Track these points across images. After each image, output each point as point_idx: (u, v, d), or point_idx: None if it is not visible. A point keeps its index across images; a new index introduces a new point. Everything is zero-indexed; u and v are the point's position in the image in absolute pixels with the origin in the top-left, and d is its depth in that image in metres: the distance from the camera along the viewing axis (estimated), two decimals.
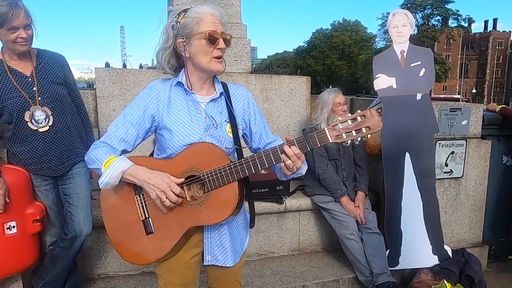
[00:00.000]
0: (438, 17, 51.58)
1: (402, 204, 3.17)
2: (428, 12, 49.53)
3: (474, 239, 3.70)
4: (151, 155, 1.71)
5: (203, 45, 1.47)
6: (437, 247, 3.19)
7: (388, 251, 3.12)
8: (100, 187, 1.52)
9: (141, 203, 1.56)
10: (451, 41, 57.62)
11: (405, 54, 3.18)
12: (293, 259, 3.38)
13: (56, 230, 2.45)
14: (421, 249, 3.17)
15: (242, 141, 1.68)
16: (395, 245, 3.16)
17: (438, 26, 51.99)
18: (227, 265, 1.67)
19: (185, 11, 1.48)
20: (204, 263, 1.67)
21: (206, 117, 1.57)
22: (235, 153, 1.62)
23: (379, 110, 3.45)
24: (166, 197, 1.45)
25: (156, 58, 1.59)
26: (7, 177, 2.16)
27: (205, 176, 1.50)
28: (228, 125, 1.59)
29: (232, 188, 1.50)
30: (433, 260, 3.17)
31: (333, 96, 3.22)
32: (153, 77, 3.42)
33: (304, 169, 1.55)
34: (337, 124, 1.41)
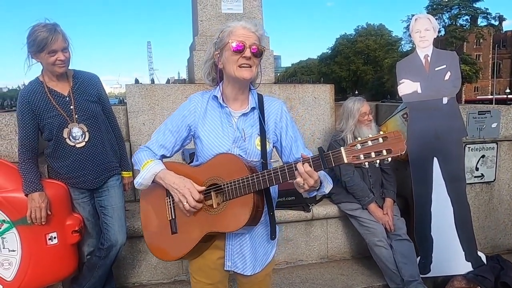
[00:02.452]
0: (466, 17, 50.11)
1: (432, 209, 3.12)
2: (455, 12, 48.23)
3: (509, 245, 3.58)
4: (191, 161, 1.84)
5: (230, 54, 1.56)
6: (470, 254, 3.11)
7: (419, 258, 3.07)
8: (135, 186, 1.69)
9: (170, 204, 1.69)
10: (481, 40, 55.75)
11: (429, 58, 3.16)
12: (322, 267, 3.38)
13: (93, 241, 2.58)
14: (453, 256, 3.10)
15: (275, 153, 1.74)
16: (426, 252, 3.11)
17: (467, 26, 50.46)
18: (245, 274, 1.74)
19: (224, 28, 1.62)
20: (225, 268, 1.76)
21: (236, 130, 1.65)
22: (261, 165, 1.67)
23: (405, 116, 3.48)
24: (186, 201, 1.56)
25: (201, 72, 1.75)
26: (48, 191, 2.31)
27: (225, 186, 1.58)
28: (258, 138, 1.66)
29: (247, 199, 1.55)
30: (467, 267, 3.09)
31: (358, 106, 3.21)
32: (179, 91, 3.55)
33: (327, 188, 1.58)
34: (355, 145, 1.38)
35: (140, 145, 3.49)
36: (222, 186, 1.58)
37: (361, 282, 3.10)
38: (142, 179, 1.64)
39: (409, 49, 50.82)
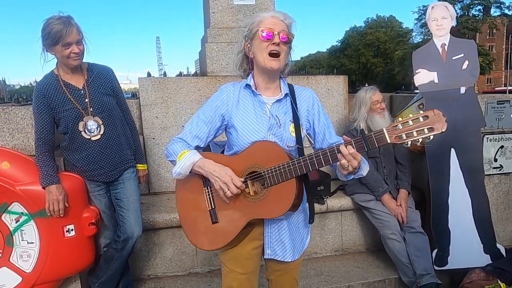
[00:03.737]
0: (479, 7, 49.16)
1: (449, 201, 3.07)
2: (468, 3, 47.39)
3: None
4: (222, 152, 1.86)
5: (260, 42, 1.59)
6: (489, 246, 3.06)
7: (435, 250, 3.03)
8: (174, 176, 1.70)
9: (209, 194, 1.71)
10: (494, 30, 54.63)
11: (446, 47, 3.09)
12: (337, 259, 3.36)
13: (110, 233, 2.60)
14: (471, 248, 3.05)
15: (306, 140, 1.76)
16: (443, 244, 3.06)
17: (479, 16, 49.50)
18: (285, 260, 1.76)
19: (254, 19, 1.65)
20: (264, 257, 1.78)
21: (270, 117, 1.66)
22: (297, 152, 1.69)
23: (421, 106, 3.42)
24: (228, 188, 1.57)
25: (232, 64, 1.78)
26: (65, 184, 2.32)
27: (265, 173, 1.59)
28: (292, 125, 1.68)
29: (290, 185, 1.57)
30: (485, 260, 3.04)
31: (370, 94, 3.18)
32: (192, 84, 3.54)
33: (364, 171, 1.59)
34: (397, 125, 1.40)
35: (153, 138, 3.50)
36: (263, 173, 1.59)
37: (377, 275, 3.07)
38: (181, 168, 1.65)
39: (420, 40, 50.11)
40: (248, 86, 1.70)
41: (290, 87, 1.75)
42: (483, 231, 3.06)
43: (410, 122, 1.38)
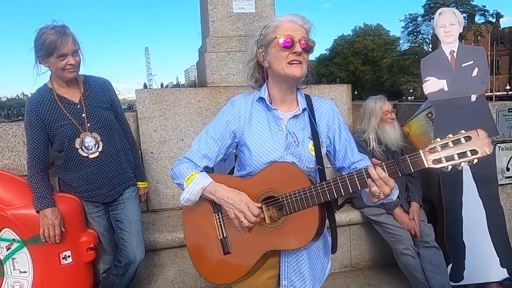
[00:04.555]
0: (464, 14, 50.15)
1: (463, 214, 2.96)
2: None
3: None
4: (232, 170, 1.69)
5: (278, 51, 1.42)
6: (506, 259, 2.94)
7: (450, 265, 2.91)
8: (182, 203, 1.54)
9: (220, 221, 1.54)
10: (479, 37, 55.75)
11: (455, 54, 3.01)
12: (346, 276, 3.22)
13: (109, 257, 2.42)
14: (487, 262, 2.93)
15: (325, 159, 1.59)
16: (458, 259, 2.94)
17: (464, 23, 50.47)
18: None
19: (268, 23, 1.47)
20: None
21: (287, 134, 1.50)
22: (317, 173, 1.53)
23: (429, 115, 3.32)
24: (244, 217, 1.41)
25: (243, 74, 1.61)
26: (60, 206, 2.15)
27: (284, 198, 1.43)
28: (311, 142, 1.51)
29: (312, 212, 1.41)
30: (502, 274, 2.93)
31: (380, 104, 3.07)
32: (192, 95, 3.39)
33: (395, 194, 1.42)
34: (435, 147, 1.26)
35: (152, 152, 3.34)
36: (281, 199, 1.43)
37: None
38: (190, 194, 1.48)
39: (407, 48, 50.86)
40: (261, 99, 1.53)
41: (308, 99, 1.58)
42: (499, 243, 2.95)
43: (450, 144, 1.24)
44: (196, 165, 1.54)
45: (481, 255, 2.93)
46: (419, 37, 51.24)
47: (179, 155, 3.42)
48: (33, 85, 2.23)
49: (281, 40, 1.40)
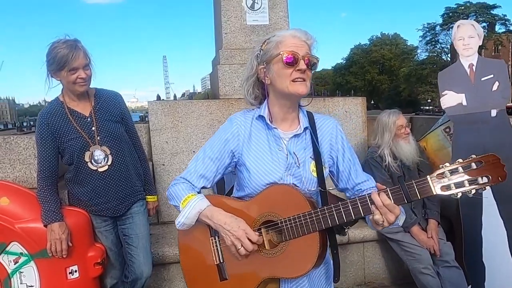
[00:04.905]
0: (484, 24, 49.27)
1: (483, 233, 2.83)
2: (473, 19, 47.54)
3: None
4: (231, 190, 1.63)
5: (281, 68, 1.35)
6: None
7: (469, 286, 2.78)
8: (177, 227, 1.46)
9: (216, 246, 1.46)
10: (499, 47, 54.65)
11: (474, 67, 2.91)
12: None
13: (116, 272, 2.39)
14: (508, 284, 2.79)
15: (330, 180, 1.52)
16: (478, 280, 2.81)
17: (485, 33, 49.55)
18: None
19: (269, 38, 1.41)
20: None
21: (287, 154, 1.43)
22: (319, 195, 1.46)
23: (447, 130, 3.21)
24: (242, 245, 1.35)
25: (242, 90, 1.53)
26: (68, 220, 2.14)
27: (283, 223, 1.36)
28: (313, 162, 1.44)
29: (312, 239, 1.34)
30: None
31: (394, 119, 2.99)
32: (204, 107, 3.38)
33: (401, 220, 1.34)
34: (443, 172, 1.19)
35: (163, 164, 3.33)
36: (280, 224, 1.36)
37: None
38: (185, 218, 1.41)
39: (425, 57, 50.14)
40: (261, 117, 1.46)
41: (310, 116, 1.50)
42: None
43: (460, 169, 1.17)
44: (193, 185, 1.47)
45: (501, 277, 2.79)
46: (438, 47, 50.46)
47: None
48: (54, 93, 2.24)
49: (284, 57, 1.33)
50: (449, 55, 49.24)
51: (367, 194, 1.29)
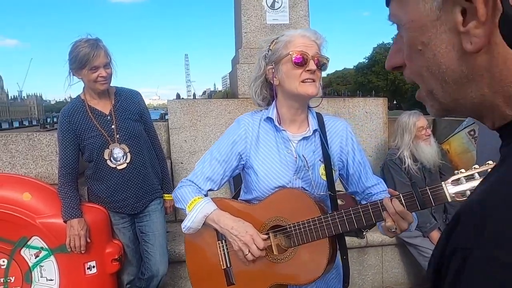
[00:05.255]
0: None
1: None
2: None
3: None
4: (238, 192, 1.60)
5: (290, 69, 1.32)
6: None
7: None
8: (183, 231, 1.44)
9: (223, 250, 1.44)
10: None
11: None
12: None
13: (133, 269, 2.42)
14: None
15: (338, 182, 1.49)
16: None
17: None
18: None
19: (278, 38, 1.37)
20: None
21: (296, 157, 1.40)
22: (328, 198, 1.43)
23: (472, 132, 3.11)
24: (249, 251, 1.33)
25: (250, 91, 1.50)
26: (87, 216, 2.17)
27: (292, 229, 1.33)
28: (322, 166, 1.41)
29: (322, 245, 1.31)
30: None
31: (414, 120, 2.92)
32: (222, 107, 3.38)
33: (413, 226, 1.29)
34: (459, 179, 1.16)
35: (181, 163, 3.35)
36: (288, 229, 1.34)
37: None
38: (191, 222, 1.38)
39: None
40: (269, 119, 1.43)
41: (319, 118, 1.47)
42: None
43: (477, 176, 1.14)
44: (200, 188, 1.45)
45: None
46: None
47: None
48: (78, 89, 2.28)
49: (294, 57, 1.30)
50: None
51: (379, 200, 1.26)
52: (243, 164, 1.46)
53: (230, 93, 4.05)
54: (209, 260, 1.46)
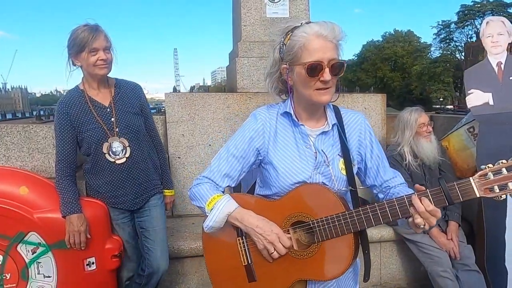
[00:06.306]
0: None
1: (506, 237, 2.75)
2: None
3: None
4: (253, 186, 1.58)
5: (304, 76, 1.28)
6: None
7: None
8: (205, 231, 1.42)
9: (244, 246, 1.42)
10: None
11: (502, 66, 2.81)
12: None
13: (133, 265, 2.36)
14: None
15: (357, 178, 1.47)
16: (500, 285, 2.73)
17: None
18: None
19: (293, 30, 1.30)
20: None
21: (316, 152, 1.38)
22: (348, 194, 1.40)
23: (471, 129, 3.12)
24: (275, 249, 1.32)
25: (266, 85, 1.47)
26: (87, 211, 2.11)
27: (315, 225, 1.31)
28: (341, 160, 1.38)
29: (346, 241, 1.30)
30: None
31: (416, 116, 2.91)
32: (221, 101, 3.32)
33: (439, 221, 1.28)
34: (486, 174, 1.15)
35: (179, 157, 3.29)
36: (311, 225, 1.32)
37: None
38: (214, 222, 1.36)
39: (438, 55, 49.44)
40: (287, 113, 1.41)
41: (337, 111, 1.45)
42: None
43: (504, 171, 1.14)
44: (217, 185, 1.43)
45: None
46: (452, 45, 49.68)
47: (207, 161, 3.39)
48: (65, 82, 2.21)
49: (307, 67, 1.25)
50: (463, 53, 48.48)
51: (406, 195, 1.24)
52: (260, 160, 1.43)
53: (228, 87, 3.99)
54: (229, 257, 1.44)
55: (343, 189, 1.38)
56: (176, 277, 2.85)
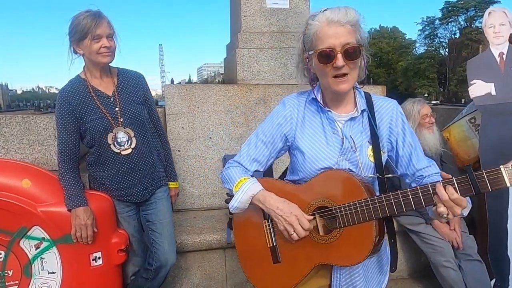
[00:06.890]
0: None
1: (509, 226, 2.78)
2: (472, 14, 47.37)
3: None
4: (284, 172, 1.60)
5: (317, 64, 1.29)
6: None
7: (493, 280, 2.74)
8: (230, 211, 1.47)
9: (269, 229, 1.46)
10: None
11: (504, 56, 2.83)
12: None
13: (139, 259, 2.30)
14: None
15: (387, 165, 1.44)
16: (502, 274, 2.76)
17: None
18: None
19: (308, 20, 1.30)
20: None
21: (343, 138, 1.36)
22: (377, 182, 1.38)
23: (472, 120, 3.14)
24: (294, 231, 1.33)
25: (295, 75, 1.47)
26: (92, 205, 2.04)
27: (337, 210, 1.31)
28: (370, 147, 1.36)
29: (369, 227, 1.28)
30: None
31: (418, 107, 2.91)
32: (221, 92, 3.27)
33: (466, 211, 1.24)
34: None
35: (179, 150, 3.23)
36: (334, 211, 1.30)
37: None
38: (238, 202, 1.40)
39: (423, 51, 50.11)
40: (314, 100, 1.40)
41: (368, 97, 1.42)
42: None
43: None
44: (246, 169, 1.47)
45: None
46: (436, 41, 50.46)
47: (207, 154, 3.33)
48: (47, 79, 2.14)
49: (317, 55, 1.25)
50: (447, 49, 49.24)
51: (430, 183, 1.21)
52: (288, 145, 1.45)
53: (226, 79, 3.93)
54: (256, 239, 1.48)
55: (371, 175, 1.35)
56: (179, 272, 2.80)
